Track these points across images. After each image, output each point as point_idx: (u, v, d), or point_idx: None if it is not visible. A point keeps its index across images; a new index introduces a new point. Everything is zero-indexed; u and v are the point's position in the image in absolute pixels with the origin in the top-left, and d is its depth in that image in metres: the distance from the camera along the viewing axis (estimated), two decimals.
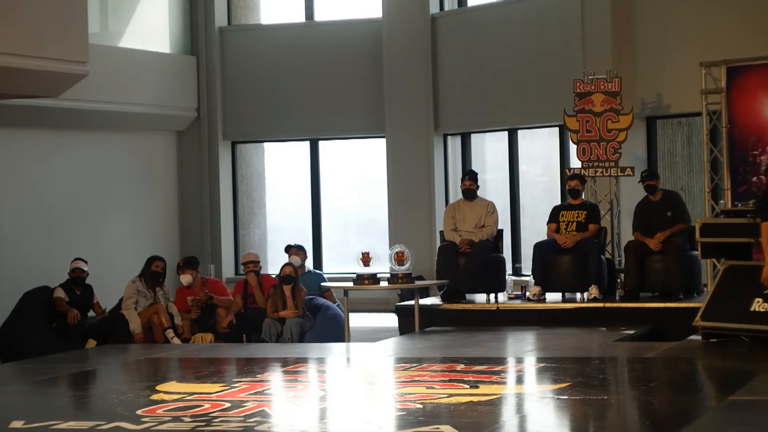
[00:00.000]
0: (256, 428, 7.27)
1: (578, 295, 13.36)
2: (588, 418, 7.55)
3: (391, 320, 14.36)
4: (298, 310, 13.07)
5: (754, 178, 13.54)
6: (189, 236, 18.62)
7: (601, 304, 12.89)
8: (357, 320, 14.94)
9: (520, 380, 9.42)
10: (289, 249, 14.32)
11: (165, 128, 18.42)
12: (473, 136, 17.60)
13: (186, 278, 13.88)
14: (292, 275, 13.20)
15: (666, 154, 15.52)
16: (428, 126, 17.45)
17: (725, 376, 9.30)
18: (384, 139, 17.85)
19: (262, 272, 14.12)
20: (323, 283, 14.30)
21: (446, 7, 17.69)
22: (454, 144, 17.69)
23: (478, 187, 13.91)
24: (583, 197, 13.78)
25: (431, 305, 13.40)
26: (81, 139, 17.01)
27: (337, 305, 13.86)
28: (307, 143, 18.61)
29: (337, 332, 13.20)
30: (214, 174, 18.59)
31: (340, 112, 18.16)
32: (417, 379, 9.10)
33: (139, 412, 7.89)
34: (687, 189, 15.31)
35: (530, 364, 10.11)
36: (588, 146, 14.34)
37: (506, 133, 16.94)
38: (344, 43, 18.15)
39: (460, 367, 9.64)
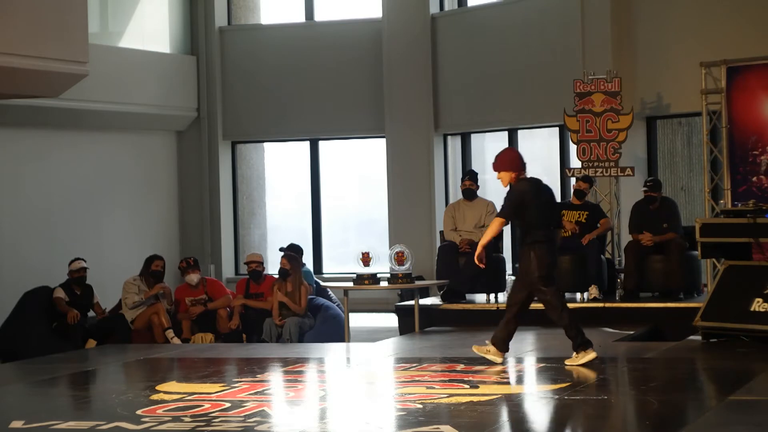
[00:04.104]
0: (256, 428, 7.27)
1: (578, 295, 13.36)
2: (588, 418, 7.55)
3: (391, 320, 14.36)
4: (297, 306, 13.11)
5: (754, 178, 13.55)
6: (189, 236, 18.62)
7: (601, 304, 12.90)
8: (357, 320, 14.94)
9: (520, 380, 9.42)
10: (282, 250, 14.30)
11: (165, 128, 18.42)
12: (473, 136, 17.60)
13: (195, 277, 13.87)
14: (285, 268, 13.29)
15: (666, 154, 15.52)
16: (428, 126, 17.45)
17: (725, 376, 9.30)
18: (384, 139, 17.86)
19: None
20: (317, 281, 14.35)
21: (446, 7, 17.69)
22: (454, 144, 17.70)
23: (478, 187, 13.92)
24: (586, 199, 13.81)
25: (431, 305, 13.41)
26: (81, 139, 17.01)
27: (337, 305, 13.86)
28: (307, 143, 18.61)
29: (337, 332, 13.20)
30: (214, 174, 18.59)
31: (340, 112, 18.16)
32: (417, 379, 9.10)
33: (139, 412, 7.89)
34: (687, 189, 15.31)
35: (530, 364, 10.11)
36: (588, 146, 14.35)
37: (506, 133, 16.94)
38: (344, 43, 18.16)
39: (460, 367, 9.64)
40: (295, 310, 13.15)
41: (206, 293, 13.90)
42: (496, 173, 9.83)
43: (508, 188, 9.80)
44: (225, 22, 18.82)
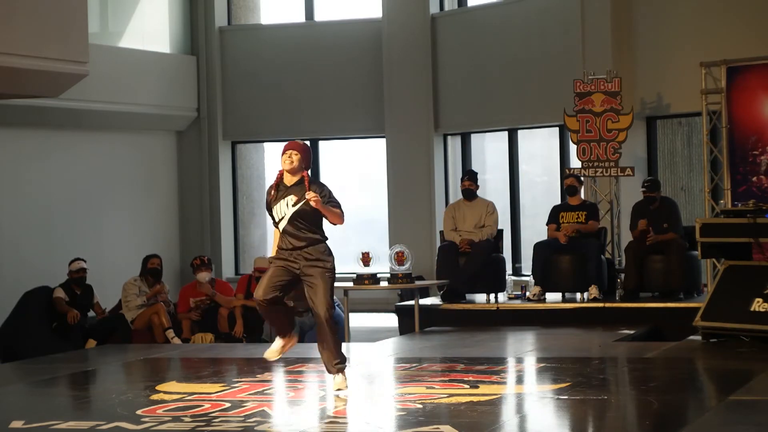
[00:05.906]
0: (256, 428, 7.27)
1: (578, 295, 13.37)
2: (588, 418, 7.55)
3: (391, 320, 14.36)
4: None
5: (754, 178, 13.55)
6: (189, 236, 18.61)
7: (601, 304, 12.90)
8: (357, 320, 14.94)
9: (520, 380, 9.42)
10: None
11: (165, 128, 18.42)
12: (473, 136, 17.60)
13: (207, 275, 13.85)
14: None
15: (666, 154, 15.52)
16: (428, 126, 17.45)
17: (725, 376, 9.30)
18: (384, 139, 17.85)
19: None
20: None
21: (446, 7, 17.69)
22: (454, 144, 17.69)
23: (477, 187, 13.92)
24: (582, 197, 13.81)
25: (431, 305, 13.41)
26: (81, 139, 17.01)
27: (337, 305, 13.85)
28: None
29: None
30: (214, 174, 18.59)
31: (340, 112, 18.15)
32: (417, 379, 9.10)
33: (139, 412, 7.89)
34: (687, 189, 15.31)
35: (530, 364, 10.11)
36: (588, 146, 14.34)
37: (506, 133, 16.94)
38: (344, 43, 18.15)
39: (460, 367, 9.64)
40: None
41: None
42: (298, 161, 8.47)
43: (316, 188, 8.64)
44: (225, 22, 18.82)
